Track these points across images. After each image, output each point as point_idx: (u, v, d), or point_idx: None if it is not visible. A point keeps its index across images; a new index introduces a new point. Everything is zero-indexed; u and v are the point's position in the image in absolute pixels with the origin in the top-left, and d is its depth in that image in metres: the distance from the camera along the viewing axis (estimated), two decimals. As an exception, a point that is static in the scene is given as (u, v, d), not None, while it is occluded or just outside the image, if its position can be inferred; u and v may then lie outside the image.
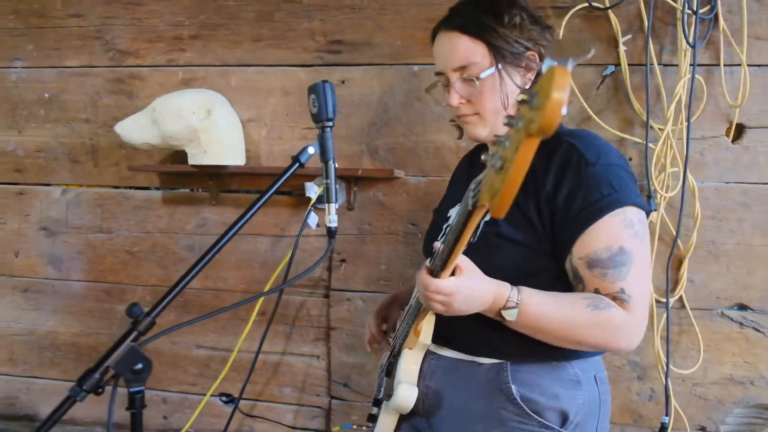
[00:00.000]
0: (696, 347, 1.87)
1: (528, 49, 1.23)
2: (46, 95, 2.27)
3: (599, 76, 1.89)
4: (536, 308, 1.10)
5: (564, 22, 1.86)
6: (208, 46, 2.14)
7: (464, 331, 1.21)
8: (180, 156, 2.07)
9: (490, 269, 1.10)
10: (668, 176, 1.83)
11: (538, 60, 1.25)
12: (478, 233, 1.19)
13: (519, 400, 1.18)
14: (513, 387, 1.19)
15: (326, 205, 1.21)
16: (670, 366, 1.85)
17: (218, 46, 2.14)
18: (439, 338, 1.25)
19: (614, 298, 1.12)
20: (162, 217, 2.20)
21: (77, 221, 2.27)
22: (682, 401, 1.89)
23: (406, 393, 1.26)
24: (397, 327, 1.44)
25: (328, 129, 1.20)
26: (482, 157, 0.84)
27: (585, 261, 1.12)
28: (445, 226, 1.36)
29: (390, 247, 2.05)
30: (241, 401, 2.07)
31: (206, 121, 1.92)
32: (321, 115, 1.19)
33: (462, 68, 1.23)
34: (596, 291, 1.13)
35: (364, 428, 1.55)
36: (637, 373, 1.93)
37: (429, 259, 1.11)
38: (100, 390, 0.98)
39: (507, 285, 1.10)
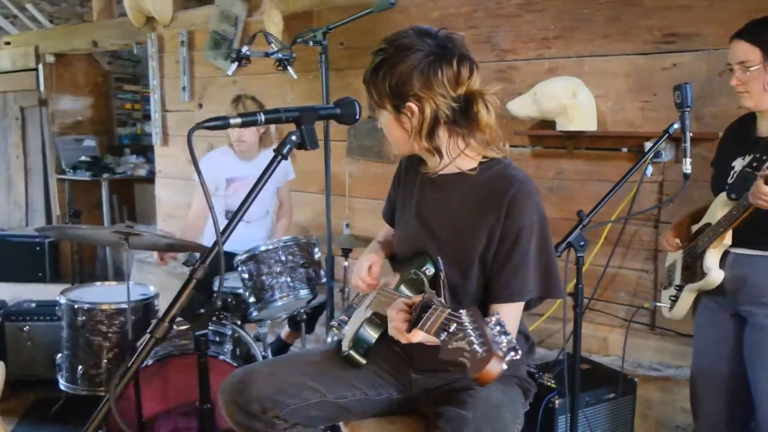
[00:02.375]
0: None
1: None
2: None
3: None
4: None
5: None
6: (567, 44, 2.96)
7: (760, 234, 1.88)
8: (545, 124, 2.95)
9: None
10: None
11: None
12: None
13: None
14: None
15: (684, 159, 1.95)
16: None
17: (575, 43, 2.94)
18: (737, 241, 1.92)
19: None
20: (530, 167, 3.12)
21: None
22: None
23: (718, 275, 1.95)
24: (698, 238, 2.08)
25: (687, 112, 1.94)
26: None
27: None
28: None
29: (705, 191, 2.67)
30: (585, 300, 2.92)
31: (572, 100, 2.76)
32: (683, 104, 1.94)
33: (740, 63, 1.90)
34: None
35: (671, 298, 2.19)
36: None
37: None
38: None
39: None
